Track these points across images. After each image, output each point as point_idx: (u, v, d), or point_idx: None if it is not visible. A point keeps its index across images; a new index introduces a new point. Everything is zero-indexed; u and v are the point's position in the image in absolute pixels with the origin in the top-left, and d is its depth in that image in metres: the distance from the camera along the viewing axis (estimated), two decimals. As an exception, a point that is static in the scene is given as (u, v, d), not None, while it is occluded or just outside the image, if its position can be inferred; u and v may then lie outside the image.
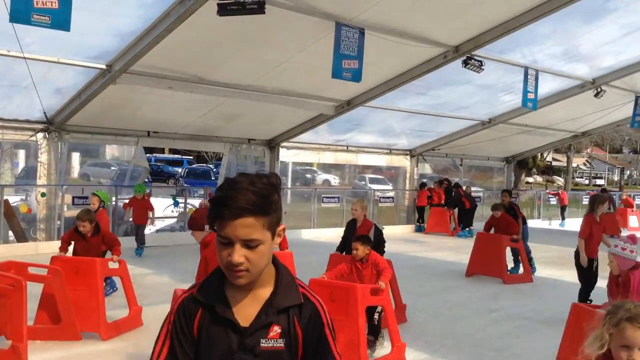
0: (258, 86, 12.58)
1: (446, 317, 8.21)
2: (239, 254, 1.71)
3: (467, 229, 17.95)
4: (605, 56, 14.25)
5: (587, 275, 8.16)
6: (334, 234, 13.85)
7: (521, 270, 11.25)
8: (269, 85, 12.67)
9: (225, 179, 1.82)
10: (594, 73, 15.36)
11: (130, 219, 12.52)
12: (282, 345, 1.77)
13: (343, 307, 5.70)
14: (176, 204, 15.86)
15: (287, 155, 17.47)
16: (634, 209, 22.16)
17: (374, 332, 6.30)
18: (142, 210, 12.18)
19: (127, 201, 12.81)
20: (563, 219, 23.29)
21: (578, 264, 8.19)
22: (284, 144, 16.93)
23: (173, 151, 37.12)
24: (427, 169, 21.75)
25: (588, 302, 7.98)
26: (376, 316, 6.27)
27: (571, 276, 11.52)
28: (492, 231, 11.28)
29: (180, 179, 31.48)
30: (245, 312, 1.78)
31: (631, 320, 2.32)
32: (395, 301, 7.54)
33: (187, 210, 15.68)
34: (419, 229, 19.10)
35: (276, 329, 1.78)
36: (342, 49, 10.08)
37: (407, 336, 7.08)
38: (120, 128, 13.76)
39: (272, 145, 16.78)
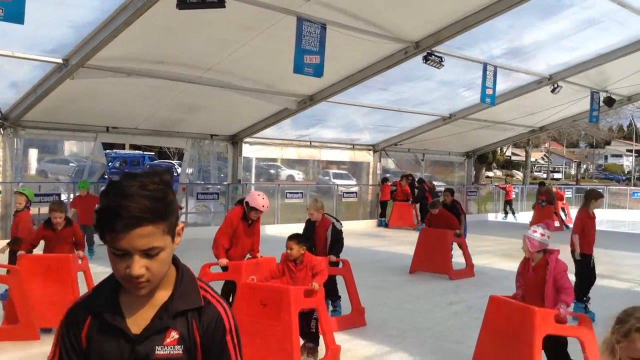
0: (218, 71, 12.15)
1: (407, 311, 8.31)
2: (138, 266, 1.55)
3: None
4: (561, 52, 14.57)
5: (586, 272, 7.97)
6: (298, 229, 13.81)
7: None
8: (229, 72, 12.30)
9: (109, 182, 1.63)
10: (551, 69, 15.70)
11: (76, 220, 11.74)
12: (181, 352, 1.64)
13: (275, 312, 5.42)
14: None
15: (250, 150, 17.39)
16: (564, 201, 22.42)
17: (314, 339, 5.96)
18: (88, 208, 11.22)
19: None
20: (506, 213, 23.22)
21: (576, 262, 7.96)
22: (247, 139, 16.85)
23: (134, 147, 36.55)
24: (390, 164, 21.94)
25: (586, 299, 7.87)
26: (313, 323, 5.88)
27: (529, 268, 11.83)
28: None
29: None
30: (140, 318, 1.64)
31: None
32: (352, 304, 7.35)
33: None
34: (381, 224, 19.27)
35: (173, 335, 1.64)
36: (304, 44, 10.07)
37: (369, 330, 7.17)
38: (78, 123, 13.49)
39: (235, 140, 16.69)
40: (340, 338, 6.65)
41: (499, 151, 46.29)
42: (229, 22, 10.10)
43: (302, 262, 5.90)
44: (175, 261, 1.71)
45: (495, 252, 13.73)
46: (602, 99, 17.91)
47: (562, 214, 20.76)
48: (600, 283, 10.60)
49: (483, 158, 34.47)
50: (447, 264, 10.61)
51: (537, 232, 5.22)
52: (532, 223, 19.53)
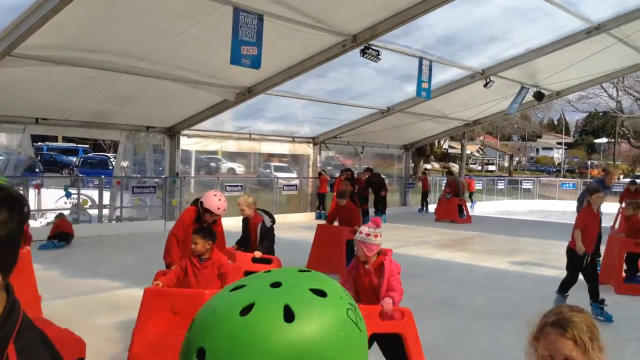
0: (153, 60, 11.76)
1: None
2: None
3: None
4: (493, 48, 14.94)
5: (577, 269, 7.83)
6: (237, 223, 13.74)
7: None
8: (165, 62, 11.94)
9: None
10: (484, 64, 16.10)
11: None
12: None
13: (190, 319, 5.02)
14: (68, 195, 15.10)
15: (189, 143, 17.09)
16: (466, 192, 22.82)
17: None
18: None
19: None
20: (423, 205, 23.46)
21: (571, 257, 7.85)
22: (185, 131, 16.55)
23: (67, 139, 35.35)
24: (332, 156, 22.05)
25: (566, 296, 7.75)
26: None
27: (462, 257, 12.17)
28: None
29: (75, 168, 30.10)
30: None
31: (555, 325, 2.05)
32: None
33: (81, 201, 15.05)
34: (320, 216, 19.36)
35: None
36: (241, 35, 9.95)
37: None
38: (5, 115, 12.90)
39: (172, 133, 16.35)
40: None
41: (437, 144, 47.31)
42: (164, 9, 9.87)
43: (209, 258, 5.49)
44: (8, 303, 1.23)
45: (431, 242, 14.03)
46: (532, 93, 18.53)
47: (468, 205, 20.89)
48: (531, 271, 11.04)
49: (421, 151, 35.13)
50: (340, 263, 9.90)
51: (371, 235, 4.96)
52: (437, 216, 19.95)
